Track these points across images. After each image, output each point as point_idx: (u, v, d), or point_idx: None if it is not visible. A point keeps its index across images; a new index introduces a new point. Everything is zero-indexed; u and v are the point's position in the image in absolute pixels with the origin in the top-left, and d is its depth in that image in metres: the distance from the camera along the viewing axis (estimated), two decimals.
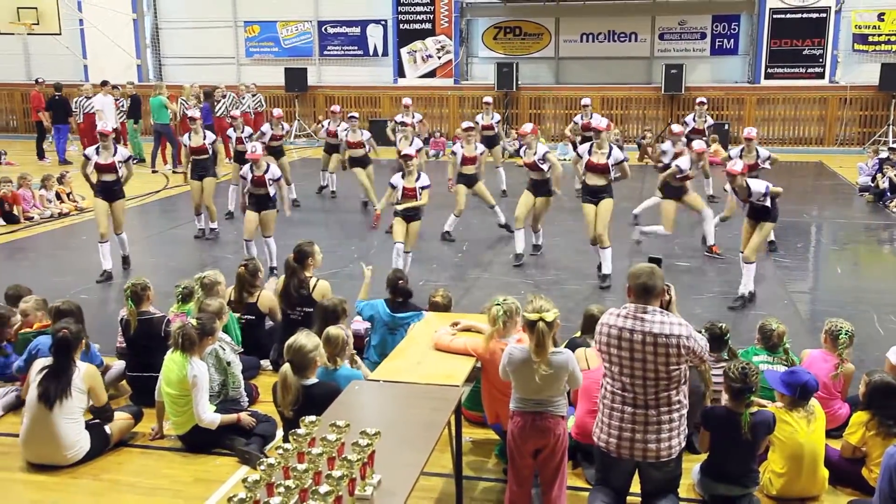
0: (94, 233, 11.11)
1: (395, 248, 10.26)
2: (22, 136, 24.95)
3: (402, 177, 10.26)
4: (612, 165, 10.37)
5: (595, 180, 10.47)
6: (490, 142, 15.89)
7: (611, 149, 10.46)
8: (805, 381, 5.58)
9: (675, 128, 13.69)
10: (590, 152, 10.53)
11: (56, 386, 6.05)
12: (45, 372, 6.11)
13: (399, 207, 10.30)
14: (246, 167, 10.87)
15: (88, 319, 7.59)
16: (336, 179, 16.43)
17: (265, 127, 15.86)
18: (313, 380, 5.71)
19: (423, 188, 10.35)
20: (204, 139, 12.89)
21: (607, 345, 4.87)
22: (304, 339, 5.71)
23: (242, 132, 14.45)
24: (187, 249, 12.48)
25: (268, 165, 10.80)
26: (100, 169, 11.01)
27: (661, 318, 4.79)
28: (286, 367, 5.60)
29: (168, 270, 10.98)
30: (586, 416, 5.78)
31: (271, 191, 10.75)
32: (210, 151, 13.04)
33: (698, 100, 16.17)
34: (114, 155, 11.02)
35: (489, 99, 17.23)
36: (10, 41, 25.69)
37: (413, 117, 16.42)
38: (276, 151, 15.32)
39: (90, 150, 11.26)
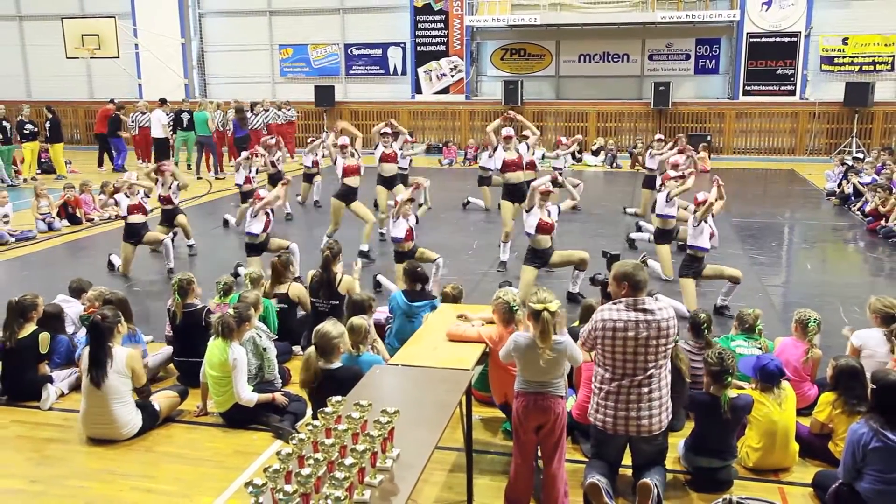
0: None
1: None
2: (84, 147, 25.08)
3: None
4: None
5: (514, 177, 11.38)
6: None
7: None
8: (765, 364, 5.62)
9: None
10: (505, 150, 11.61)
11: (97, 368, 6.08)
12: (88, 357, 6.16)
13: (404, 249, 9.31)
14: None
15: (139, 310, 7.65)
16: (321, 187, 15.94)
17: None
18: (338, 364, 5.74)
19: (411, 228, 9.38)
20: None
21: (609, 338, 4.87)
22: (330, 326, 5.76)
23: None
24: (228, 248, 12.49)
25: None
26: (130, 210, 10.76)
27: (657, 304, 4.93)
28: (311, 349, 5.67)
29: (212, 266, 10.98)
30: (587, 400, 5.77)
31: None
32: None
33: (657, 136, 15.13)
34: (141, 197, 10.87)
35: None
36: (76, 64, 25.98)
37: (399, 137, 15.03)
38: (274, 179, 13.94)
39: (120, 197, 10.86)
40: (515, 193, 11.51)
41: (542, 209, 9.02)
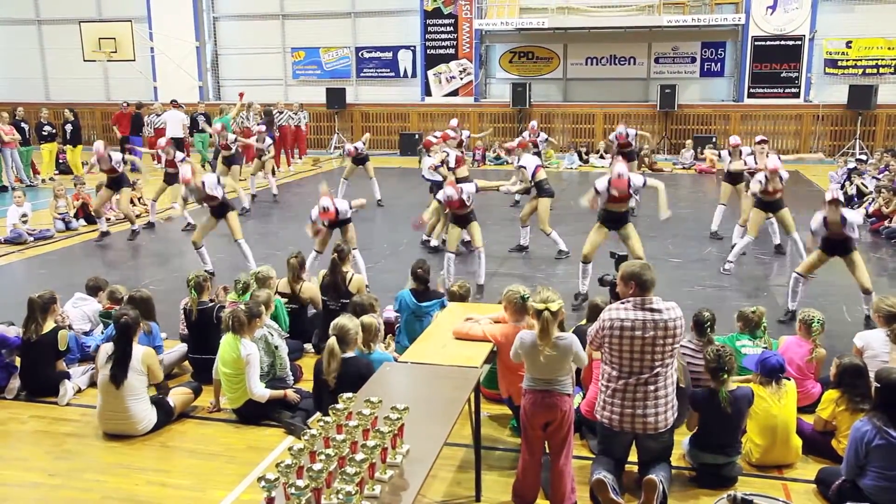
0: (162, 234, 11.14)
1: (450, 257, 9.76)
2: None
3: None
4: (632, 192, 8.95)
5: (618, 206, 9.03)
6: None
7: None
8: (767, 359, 5.65)
9: (733, 139, 12.70)
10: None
11: (119, 368, 6.11)
12: (111, 357, 6.17)
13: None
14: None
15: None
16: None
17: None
18: (351, 354, 5.90)
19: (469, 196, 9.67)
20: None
21: (616, 336, 4.87)
22: (346, 320, 6.00)
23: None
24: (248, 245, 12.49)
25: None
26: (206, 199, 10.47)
27: (664, 304, 4.93)
28: (332, 340, 5.82)
29: (229, 264, 10.99)
30: (596, 397, 5.77)
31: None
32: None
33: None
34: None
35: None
36: (93, 67, 26.17)
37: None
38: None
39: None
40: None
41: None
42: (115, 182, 13.00)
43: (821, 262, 8.60)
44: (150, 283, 10.30)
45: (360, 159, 15.76)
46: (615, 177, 8.81)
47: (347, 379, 5.63)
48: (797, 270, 8.83)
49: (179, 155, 14.21)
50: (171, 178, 14.25)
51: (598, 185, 8.98)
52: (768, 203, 10.72)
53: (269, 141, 16.58)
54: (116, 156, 12.96)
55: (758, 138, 11.52)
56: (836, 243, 8.36)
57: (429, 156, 12.62)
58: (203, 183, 10.31)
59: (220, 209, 10.56)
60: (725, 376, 5.35)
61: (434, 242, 11.69)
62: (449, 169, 11.73)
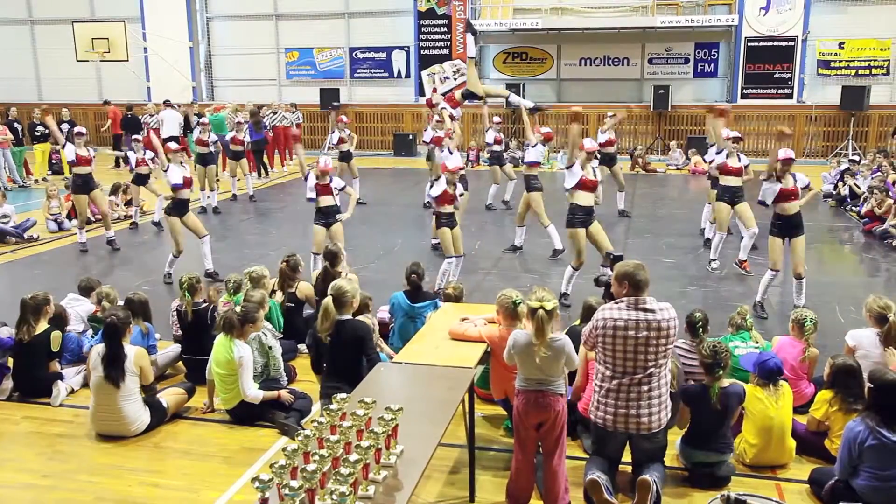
0: (155, 233, 11.10)
1: (451, 262, 9.56)
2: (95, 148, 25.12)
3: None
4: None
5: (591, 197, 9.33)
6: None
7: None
8: (765, 361, 5.67)
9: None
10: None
11: (115, 368, 6.10)
12: (104, 358, 6.16)
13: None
14: (311, 177, 9.80)
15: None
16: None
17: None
18: (347, 316, 5.94)
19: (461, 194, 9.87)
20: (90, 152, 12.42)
21: (609, 336, 4.87)
22: (344, 282, 6.12)
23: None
24: (238, 246, 12.48)
25: (331, 177, 9.85)
26: (186, 184, 10.46)
27: (657, 305, 4.93)
28: (328, 300, 5.90)
29: (220, 265, 10.97)
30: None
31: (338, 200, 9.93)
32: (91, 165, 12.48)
33: (609, 114, 15.68)
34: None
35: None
36: (86, 67, 26.14)
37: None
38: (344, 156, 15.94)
39: (172, 172, 10.42)
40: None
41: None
42: (84, 185, 12.41)
43: (781, 247, 9.04)
44: (142, 284, 10.29)
45: (345, 156, 15.83)
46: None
47: (344, 341, 5.81)
48: (771, 267, 9.08)
49: (150, 154, 14.13)
50: (140, 179, 14.13)
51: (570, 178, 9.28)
52: (730, 193, 10.77)
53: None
54: (91, 151, 12.55)
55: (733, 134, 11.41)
56: (788, 224, 9.01)
57: (441, 150, 12.49)
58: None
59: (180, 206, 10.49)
60: (720, 372, 5.37)
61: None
62: (453, 119, 12.37)
